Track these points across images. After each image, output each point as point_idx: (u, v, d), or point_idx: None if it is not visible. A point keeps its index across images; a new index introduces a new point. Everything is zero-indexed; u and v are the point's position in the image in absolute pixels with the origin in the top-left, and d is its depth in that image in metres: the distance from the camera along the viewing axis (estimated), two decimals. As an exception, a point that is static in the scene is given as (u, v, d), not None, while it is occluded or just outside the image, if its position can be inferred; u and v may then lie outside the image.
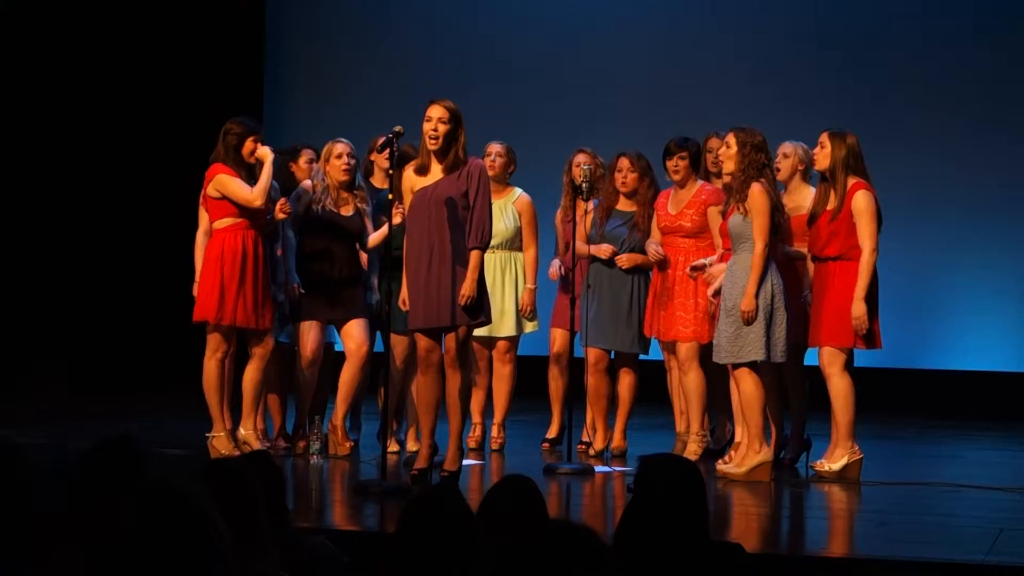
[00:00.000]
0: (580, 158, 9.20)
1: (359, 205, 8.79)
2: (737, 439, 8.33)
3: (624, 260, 8.99)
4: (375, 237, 8.73)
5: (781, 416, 8.62)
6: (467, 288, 7.71)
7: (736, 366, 8.03)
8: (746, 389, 8.01)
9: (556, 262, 9.31)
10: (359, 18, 13.39)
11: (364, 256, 8.97)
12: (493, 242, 8.67)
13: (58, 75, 12.41)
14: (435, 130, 7.75)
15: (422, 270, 7.78)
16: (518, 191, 9.28)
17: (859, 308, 7.99)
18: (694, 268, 8.54)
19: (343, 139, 8.82)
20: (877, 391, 9.74)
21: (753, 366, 8.00)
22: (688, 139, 8.91)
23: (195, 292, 8.57)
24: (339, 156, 8.74)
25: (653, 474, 4.09)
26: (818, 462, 8.24)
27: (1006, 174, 12.00)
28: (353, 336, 8.75)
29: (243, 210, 8.43)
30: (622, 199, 9.10)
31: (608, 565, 2.71)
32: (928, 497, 7.79)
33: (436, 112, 7.78)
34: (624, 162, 9.06)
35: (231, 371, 8.57)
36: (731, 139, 8.13)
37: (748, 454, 8.05)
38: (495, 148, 9.20)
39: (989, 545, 6.28)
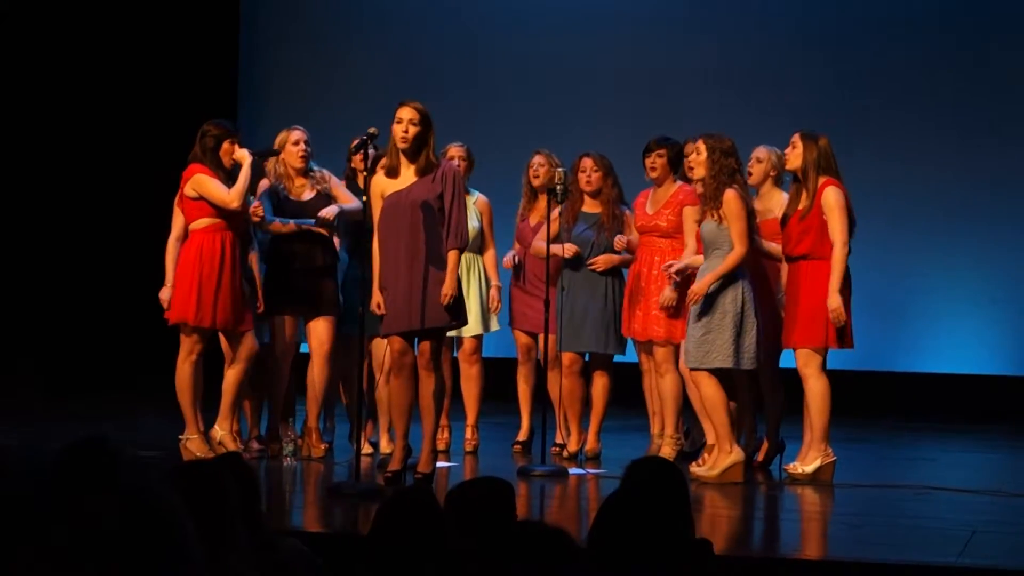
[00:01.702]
0: (537, 159, 9.26)
1: (318, 187, 8.80)
2: (710, 442, 8.34)
3: (600, 263, 9.01)
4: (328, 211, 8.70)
5: (755, 418, 8.65)
6: (449, 287, 7.71)
7: (696, 370, 8.05)
8: (706, 392, 8.03)
9: (510, 253, 9.35)
10: (334, 18, 13.38)
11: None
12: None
13: (29, 75, 12.37)
14: (405, 131, 7.75)
15: (399, 274, 7.76)
16: (476, 192, 9.33)
17: (835, 300, 8.02)
18: (677, 272, 8.49)
19: (299, 127, 8.85)
20: (850, 393, 9.75)
21: (711, 370, 8.02)
22: (669, 138, 8.93)
23: (162, 295, 8.53)
24: (296, 143, 8.77)
25: (639, 475, 4.11)
26: (791, 464, 8.26)
27: (979, 177, 12.03)
28: (316, 334, 8.75)
29: (220, 211, 8.42)
30: (587, 200, 9.13)
31: (582, 567, 2.71)
32: (901, 499, 7.82)
33: (407, 113, 7.78)
34: (587, 162, 9.09)
35: (203, 372, 8.55)
36: (700, 145, 8.17)
37: (719, 456, 8.07)
38: (458, 151, 9.20)
39: (961, 547, 6.30)
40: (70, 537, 2.22)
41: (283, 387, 8.83)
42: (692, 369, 8.11)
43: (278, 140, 8.85)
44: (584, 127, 11.85)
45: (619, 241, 8.94)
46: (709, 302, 8.02)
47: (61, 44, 12.50)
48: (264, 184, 8.80)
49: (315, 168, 8.87)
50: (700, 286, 8.03)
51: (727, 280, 8.03)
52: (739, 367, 8.04)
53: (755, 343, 8.03)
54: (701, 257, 8.28)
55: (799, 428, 8.30)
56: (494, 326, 9.34)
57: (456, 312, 7.81)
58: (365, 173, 7.94)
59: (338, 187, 8.84)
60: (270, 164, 8.85)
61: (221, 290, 8.37)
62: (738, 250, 8.00)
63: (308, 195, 8.79)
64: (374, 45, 13.20)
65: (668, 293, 8.50)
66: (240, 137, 8.65)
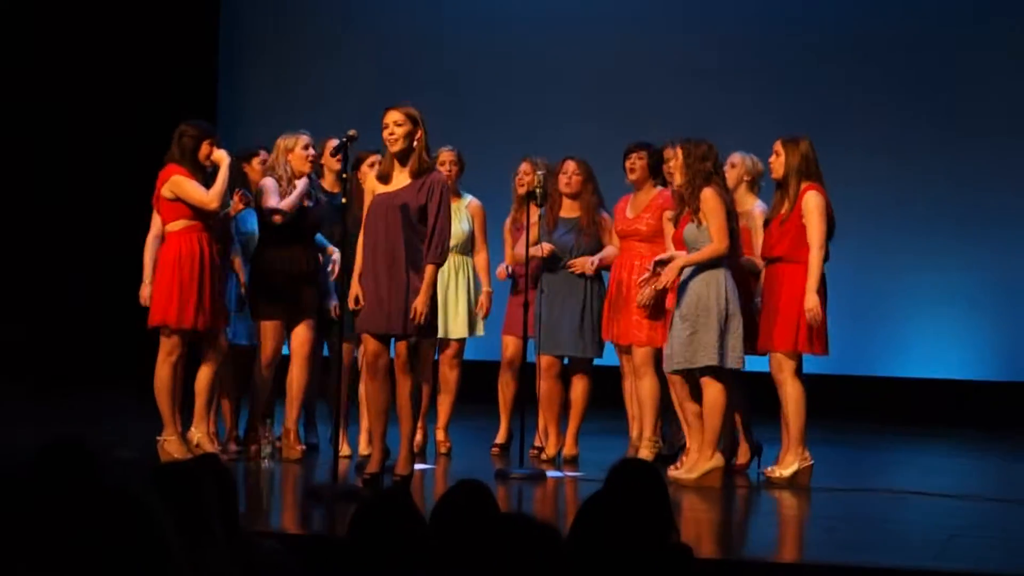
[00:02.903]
0: (523, 167, 9.27)
1: (317, 196, 8.81)
2: (688, 444, 8.35)
3: (577, 265, 9.02)
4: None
5: (731, 421, 8.66)
6: (420, 304, 7.69)
7: (701, 373, 8.05)
8: (711, 395, 8.03)
9: (502, 265, 9.34)
10: (315, 17, 13.36)
11: (334, 253, 8.91)
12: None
13: (5, 72, 12.33)
14: (392, 134, 7.76)
15: (375, 275, 7.77)
16: (469, 196, 9.33)
17: (811, 299, 8.03)
18: (657, 264, 8.48)
19: (305, 131, 8.82)
20: (827, 397, 9.77)
21: (718, 373, 8.03)
22: (649, 143, 8.95)
23: (143, 294, 8.50)
24: (306, 147, 8.75)
25: (620, 478, 4.12)
26: (769, 468, 8.28)
27: (957, 178, 12.04)
28: (298, 336, 8.77)
29: (197, 212, 8.39)
30: (566, 204, 9.13)
31: (564, 558, 2.71)
32: (877, 503, 7.84)
33: (392, 117, 7.79)
34: (570, 165, 9.11)
35: (182, 374, 8.53)
36: (678, 151, 8.21)
37: (700, 460, 8.08)
38: (449, 156, 9.22)
39: (938, 551, 6.33)
40: (49, 536, 2.21)
41: (266, 391, 8.81)
42: (677, 372, 8.09)
43: (284, 144, 8.78)
44: (571, 129, 11.83)
45: (590, 267, 8.94)
46: (692, 301, 8.02)
47: (40, 42, 12.46)
48: (270, 184, 8.72)
49: (313, 176, 8.89)
50: (671, 269, 8.05)
51: (710, 278, 8.03)
52: (724, 365, 8.04)
53: (740, 342, 8.05)
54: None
55: (776, 432, 8.31)
56: (479, 331, 9.33)
57: (426, 327, 7.77)
58: (345, 175, 7.94)
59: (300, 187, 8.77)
60: (279, 172, 8.78)
61: (203, 292, 8.35)
62: (716, 244, 8.01)
63: (307, 203, 8.76)
64: (355, 45, 13.18)
65: (647, 291, 8.50)
66: (218, 138, 8.62)
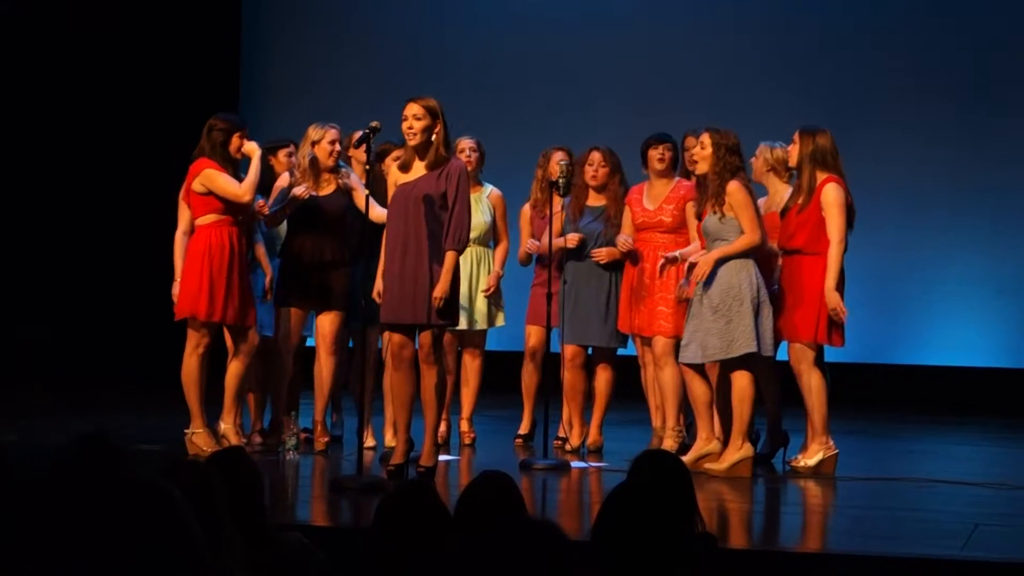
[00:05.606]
0: (560, 155, 9.21)
1: (340, 182, 8.78)
2: (702, 435, 8.27)
3: (603, 254, 8.99)
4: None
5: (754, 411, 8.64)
6: (440, 290, 7.70)
7: (731, 366, 8.02)
8: (741, 385, 8.00)
9: (531, 240, 9.27)
10: (337, 11, 13.36)
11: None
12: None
13: (30, 72, 12.37)
14: (411, 127, 7.77)
15: (397, 265, 7.79)
16: (489, 186, 9.32)
17: (832, 298, 8.02)
18: (668, 260, 8.51)
19: (335, 125, 8.81)
20: (850, 386, 9.75)
21: (746, 363, 8.00)
22: (669, 135, 8.93)
23: (175, 291, 8.52)
24: (332, 142, 8.73)
25: (644, 469, 4.12)
26: (794, 458, 8.26)
27: (979, 166, 11.99)
28: (321, 328, 8.76)
29: (228, 206, 8.41)
30: (592, 194, 9.11)
31: (571, 561, 2.71)
32: (903, 492, 7.82)
33: (411, 110, 7.80)
34: (596, 156, 9.08)
35: (209, 367, 8.54)
36: (705, 139, 8.13)
37: (729, 450, 8.06)
38: (469, 144, 9.20)
39: (964, 540, 6.30)
40: (73, 531, 2.22)
41: (285, 380, 8.82)
42: (714, 361, 8.04)
43: (311, 134, 8.77)
44: (589, 121, 11.82)
45: (623, 243, 8.88)
46: (724, 291, 7.98)
47: (61, 36, 12.50)
48: (285, 180, 8.76)
49: (343, 166, 8.87)
50: (706, 263, 7.99)
51: (739, 267, 8.00)
52: (761, 352, 8.00)
53: (771, 328, 8.02)
54: (700, 247, 8.28)
55: (800, 421, 8.30)
56: (499, 322, 9.32)
57: (447, 312, 7.80)
58: (368, 167, 7.93)
59: (357, 185, 8.79)
60: (297, 158, 8.81)
61: (231, 285, 8.38)
62: (749, 236, 7.98)
63: (326, 191, 8.77)
64: (376, 37, 13.18)
65: (683, 285, 8.46)
66: (248, 130, 8.64)
